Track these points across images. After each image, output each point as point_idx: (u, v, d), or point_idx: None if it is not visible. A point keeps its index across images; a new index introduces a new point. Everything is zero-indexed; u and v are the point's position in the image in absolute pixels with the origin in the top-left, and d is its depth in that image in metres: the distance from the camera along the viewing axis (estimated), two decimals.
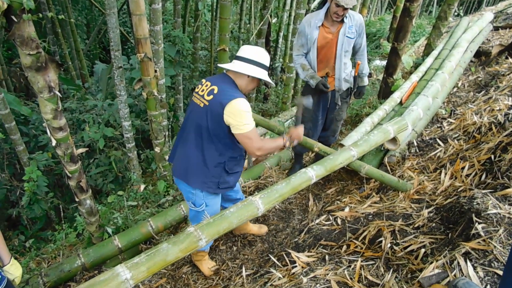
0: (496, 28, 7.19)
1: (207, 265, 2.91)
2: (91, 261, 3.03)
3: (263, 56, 2.32)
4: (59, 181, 5.94)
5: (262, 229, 3.23)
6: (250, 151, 2.28)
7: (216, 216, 2.15)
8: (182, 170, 2.45)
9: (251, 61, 2.28)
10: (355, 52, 3.41)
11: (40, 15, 2.49)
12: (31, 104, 6.42)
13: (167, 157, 4.62)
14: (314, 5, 7.94)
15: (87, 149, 3.61)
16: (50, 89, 2.53)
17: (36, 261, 3.68)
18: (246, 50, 2.31)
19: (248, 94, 7.40)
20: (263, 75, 2.31)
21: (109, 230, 3.46)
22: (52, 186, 5.60)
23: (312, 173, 2.51)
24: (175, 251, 1.92)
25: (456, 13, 11.95)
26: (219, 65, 2.39)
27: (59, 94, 2.62)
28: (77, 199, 3.22)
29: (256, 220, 3.41)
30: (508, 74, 4.45)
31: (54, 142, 2.79)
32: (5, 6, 2.09)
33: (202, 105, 2.28)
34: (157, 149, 4.53)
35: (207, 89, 2.30)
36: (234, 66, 2.29)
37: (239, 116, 2.17)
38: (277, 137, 2.47)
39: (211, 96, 2.25)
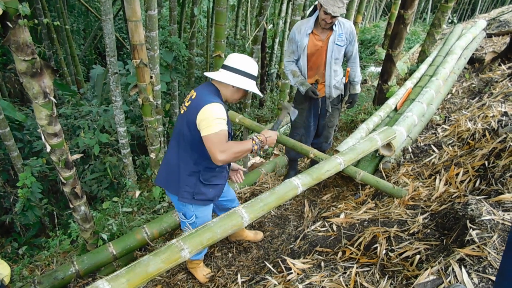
0: (489, 35, 7.28)
1: (202, 272, 2.89)
2: (85, 268, 3.00)
3: (250, 66, 2.25)
4: (54, 187, 5.91)
5: (258, 235, 3.20)
6: (212, 155, 2.11)
7: (199, 226, 2.15)
8: (162, 176, 2.45)
9: (237, 70, 2.21)
10: (347, 59, 3.43)
11: (36, 21, 2.48)
12: (26, 109, 6.39)
13: None
14: (309, 11, 8.01)
15: (82, 155, 3.60)
16: (45, 95, 2.53)
17: (29, 269, 3.64)
18: (232, 59, 2.25)
19: (244, 100, 7.42)
20: (249, 85, 2.24)
21: (104, 237, 3.43)
22: (46, 192, 5.56)
23: (297, 182, 2.52)
24: (157, 262, 1.90)
25: (450, 20, 12.07)
26: (205, 73, 2.32)
27: (54, 100, 2.61)
28: (71, 206, 3.20)
29: (252, 227, 3.41)
30: (502, 81, 4.49)
31: (48, 148, 2.77)
32: (0, 12, 2.09)
33: (182, 111, 2.28)
34: (152, 155, 4.53)
35: (189, 96, 2.29)
36: (219, 75, 2.22)
37: (207, 119, 2.09)
38: (245, 140, 2.30)
39: (189, 102, 2.24)
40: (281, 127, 6.39)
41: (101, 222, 3.83)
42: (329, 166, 2.79)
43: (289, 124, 6.29)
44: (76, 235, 3.81)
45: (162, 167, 2.47)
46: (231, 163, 2.57)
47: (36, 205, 4.56)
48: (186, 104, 2.26)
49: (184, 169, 2.31)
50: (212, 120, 2.09)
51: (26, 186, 4.30)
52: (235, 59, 2.24)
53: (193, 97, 2.24)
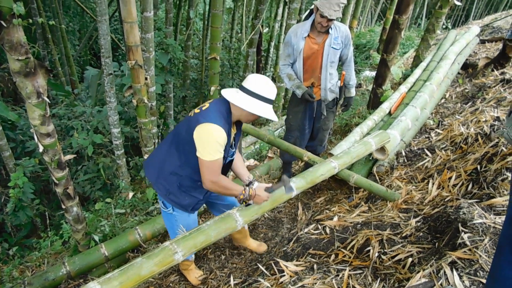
0: (482, 41, 7.36)
1: (194, 275, 2.88)
2: (76, 269, 2.97)
3: (268, 89, 2.16)
4: (46, 188, 5.86)
5: (261, 247, 3.10)
6: (202, 179, 2.17)
7: (193, 229, 2.15)
8: (148, 159, 2.49)
9: (254, 94, 2.13)
10: (342, 62, 3.45)
11: (30, 20, 2.47)
12: (19, 109, 6.34)
13: None
14: (304, 15, 8.04)
15: (75, 155, 3.58)
16: (39, 94, 2.51)
17: (19, 270, 3.60)
18: (251, 82, 2.16)
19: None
20: (264, 110, 2.16)
21: (96, 238, 3.41)
22: (39, 192, 5.51)
23: (292, 185, 2.53)
24: (150, 265, 1.89)
25: (444, 26, 12.19)
26: (222, 92, 2.23)
27: (47, 100, 2.60)
28: (63, 206, 3.18)
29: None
30: (494, 86, 4.54)
31: (41, 148, 2.75)
32: None
33: (191, 115, 2.27)
34: (146, 157, 4.51)
35: (202, 105, 2.26)
36: (235, 98, 2.15)
37: (206, 141, 2.08)
38: (237, 185, 2.28)
39: (199, 111, 2.21)
40: (275, 131, 6.40)
41: (94, 223, 3.80)
42: (323, 170, 2.81)
43: (283, 127, 6.30)
44: (68, 236, 3.78)
45: (153, 152, 2.50)
46: (251, 181, 2.49)
47: (27, 205, 4.52)
48: (196, 111, 2.23)
49: (169, 166, 2.31)
50: (210, 146, 2.07)
51: (18, 186, 4.26)
52: (254, 82, 2.16)
53: (204, 108, 2.21)
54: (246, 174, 2.50)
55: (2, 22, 2.17)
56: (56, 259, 3.75)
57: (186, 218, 2.47)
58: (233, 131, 2.35)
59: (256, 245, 3.11)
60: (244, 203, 2.37)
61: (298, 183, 2.60)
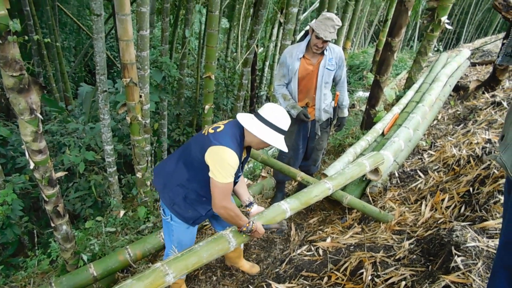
0: (473, 64, 7.50)
1: None
2: None
3: (282, 120, 2.21)
4: (35, 205, 5.76)
5: (254, 268, 3.07)
6: (214, 202, 2.19)
7: (185, 250, 2.13)
8: (157, 168, 2.53)
9: (269, 123, 2.17)
10: (335, 83, 3.49)
11: (26, 37, 2.48)
12: (11, 125, 6.30)
13: (148, 183, 4.55)
14: (299, 36, 8.16)
15: (66, 172, 3.54)
16: (32, 111, 2.50)
17: None
18: (267, 111, 2.20)
19: None
20: (277, 141, 2.20)
21: (85, 258, 3.34)
22: (28, 209, 5.41)
23: (286, 206, 2.55)
24: (140, 287, 1.86)
25: (435, 49, 12.43)
26: (238, 117, 2.25)
27: (40, 116, 2.58)
28: (53, 224, 3.12)
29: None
30: (485, 109, 4.60)
31: (32, 165, 2.72)
32: None
33: (205, 133, 2.28)
34: (138, 174, 4.47)
35: (217, 126, 2.28)
36: (250, 125, 2.18)
37: (219, 164, 2.10)
38: (245, 218, 2.32)
39: (213, 131, 2.22)
40: (269, 150, 6.40)
41: (83, 242, 3.73)
42: (317, 191, 2.80)
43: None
44: (56, 255, 3.70)
45: (162, 162, 2.54)
46: (251, 202, 2.61)
47: (16, 223, 4.42)
48: (210, 131, 2.23)
49: (176, 178, 2.35)
50: (224, 169, 2.10)
51: (6, 203, 4.18)
52: (270, 111, 2.20)
53: (218, 129, 2.22)
54: (246, 195, 2.58)
55: None
56: (42, 279, 3.66)
57: (184, 230, 2.48)
58: (243, 155, 2.38)
59: (248, 266, 3.08)
60: (243, 235, 2.40)
61: (293, 204, 2.59)
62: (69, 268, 3.35)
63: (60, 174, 3.08)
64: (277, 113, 2.21)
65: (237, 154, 2.14)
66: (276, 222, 2.49)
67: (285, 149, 2.28)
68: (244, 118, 2.22)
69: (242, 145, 2.25)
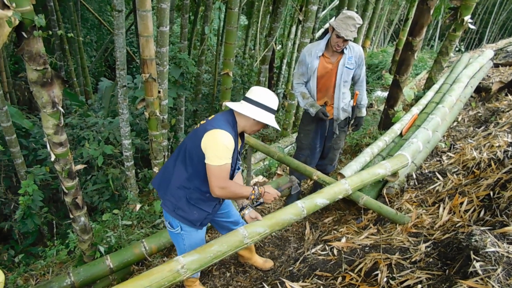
0: (496, 65, 7.31)
1: None
2: (80, 280, 2.96)
3: (271, 100, 2.26)
4: (55, 196, 5.90)
5: (267, 263, 3.07)
6: (211, 186, 2.16)
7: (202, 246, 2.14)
8: (158, 178, 2.46)
9: (258, 104, 2.22)
10: (354, 82, 3.46)
11: (50, 32, 2.53)
12: (33, 117, 6.45)
13: None
14: (317, 34, 8.10)
15: (85, 165, 3.61)
16: (54, 104, 2.55)
17: (24, 278, 3.61)
18: (254, 92, 2.26)
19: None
20: (269, 119, 2.24)
21: (101, 249, 3.40)
22: (47, 200, 5.55)
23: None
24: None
25: (457, 49, 12.18)
26: (226, 103, 2.32)
27: (62, 110, 2.64)
28: (71, 216, 3.19)
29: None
30: (508, 111, 4.49)
31: (53, 157, 2.78)
32: (17, 22, 2.13)
33: (197, 126, 2.30)
34: (155, 169, 4.53)
35: (208, 117, 2.32)
36: (240, 107, 2.23)
37: (214, 146, 2.10)
38: (246, 186, 2.34)
39: (204, 121, 2.27)
40: (285, 148, 6.40)
41: (100, 234, 3.80)
42: (338, 190, 2.79)
43: (293, 145, 6.29)
44: (74, 245, 3.78)
45: (161, 169, 2.49)
46: (243, 206, 2.54)
47: (36, 213, 4.54)
48: (202, 122, 2.28)
49: (176, 180, 2.30)
50: (219, 151, 2.10)
51: (27, 193, 4.30)
52: (257, 93, 2.26)
53: (209, 118, 2.27)
54: (240, 199, 2.52)
55: (24, 33, 2.23)
56: (60, 268, 3.75)
57: (194, 236, 2.44)
58: (239, 142, 2.36)
59: (262, 262, 3.08)
60: (255, 203, 2.40)
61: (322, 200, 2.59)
62: (86, 259, 3.42)
63: (80, 166, 3.14)
64: (265, 93, 2.26)
65: (232, 136, 2.15)
66: (291, 222, 2.47)
67: (277, 127, 2.32)
68: (234, 104, 2.27)
69: (236, 130, 2.26)
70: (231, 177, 2.36)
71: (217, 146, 2.10)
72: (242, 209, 2.48)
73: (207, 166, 2.13)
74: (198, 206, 2.33)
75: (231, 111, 2.29)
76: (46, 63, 2.40)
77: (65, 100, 7.07)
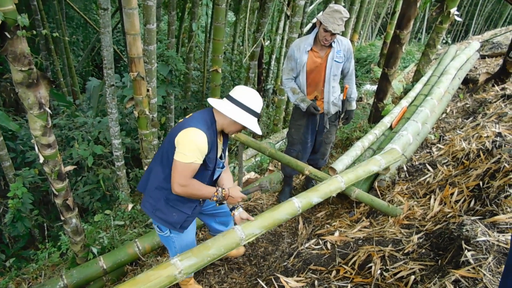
0: (482, 57, 7.39)
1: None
2: (74, 282, 2.94)
3: (253, 101, 2.17)
4: (45, 198, 5.83)
5: (240, 249, 3.07)
6: (172, 183, 2.11)
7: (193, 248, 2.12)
8: (142, 184, 2.40)
9: (239, 104, 2.14)
10: (343, 76, 3.47)
11: (34, 32, 2.49)
12: (20, 119, 6.35)
13: None
14: (306, 29, 8.10)
15: (75, 166, 3.57)
16: (40, 105, 2.52)
17: (16, 282, 3.56)
18: (237, 91, 2.18)
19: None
20: (247, 121, 2.14)
21: (94, 250, 3.38)
22: (37, 203, 5.48)
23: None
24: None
25: (444, 41, 12.29)
26: (208, 99, 2.25)
27: (49, 111, 2.60)
28: (62, 218, 3.16)
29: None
30: (495, 102, 4.54)
31: (41, 159, 2.75)
32: None
33: (175, 126, 2.26)
34: (146, 168, 4.49)
35: (186, 116, 2.28)
36: (219, 105, 2.15)
37: (185, 144, 2.05)
38: (210, 187, 2.25)
39: (182, 120, 2.22)
40: (276, 143, 6.40)
41: (92, 235, 3.77)
42: (333, 187, 2.79)
43: (284, 140, 6.30)
44: (66, 248, 3.75)
45: (144, 173, 2.44)
46: (234, 206, 2.45)
47: (26, 216, 4.49)
48: (180, 121, 2.24)
49: (153, 180, 2.26)
50: (188, 149, 2.04)
51: (17, 196, 4.24)
52: (240, 92, 2.17)
53: (187, 116, 2.23)
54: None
55: (7, 33, 2.19)
56: (53, 271, 3.71)
57: (184, 238, 2.43)
58: (220, 141, 2.31)
59: (235, 251, 3.02)
60: (217, 204, 2.35)
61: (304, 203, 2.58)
62: (79, 261, 3.39)
63: (69, 168, 3.11)
64: (248, 94, 2.16)
65: (208, 136, 2.08)
66: (286, 219, 2.46)
67: (258, 131, 2.20)
68: (214, 101, 2.19)
69: (215, 128, 2.19)
70: (211, 176, 2.32)
71: (187, 144, 2.04)
72: (232, 209, 2.43)
73: (174, 161, 2.08)
74: (177, 208, 2.27)
75: (210, 110, 2.22)
76: (31, 63, 2.36)
77: (52, 101, 6.97)
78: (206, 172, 2.25)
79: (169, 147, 2.15)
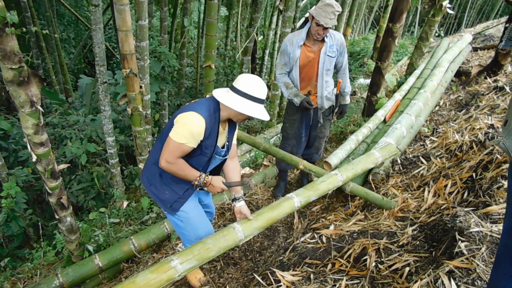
0: (475, 49, 7.43)
1: (194, 275, 2.83)
2: (69, 281, 2.93)
3: (258, 89, 2.15)
4: (39, 197, 5.79)
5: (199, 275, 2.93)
6: (160, 157, 2.17)
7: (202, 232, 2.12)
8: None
9: (244, 94, 2.12)
10: (337, 70, 3.47)
11: (24, 29, 2.46)
12: (12, 118, 6.29)
13: None
14: (299, 24, 8.09)
15: (68, 165, 3.54)
16: (32, 103, 2.49)
17: (11, 281, 3.54)
18: (241, 82, 2.15)
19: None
20: (253, 110, 2.14)
21: (90, 248, 3.37)
22: (32, 202, 5.45)
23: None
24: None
25: (436, 34, 12.32)
26: (213, 91, 2.23)
27: (41, 109, 2.57)
28: (57, 216, 3.14)
29: None
30: (488, 94, 4.57)
31: (34, 158, 2.72)
32: None
33: None
34: (141, 165, 4.48)
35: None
36: (224, 98, 2.14)
37: (180, 123, 2.10)
38: (195, 171, 2.27)
39: (188, 103, 2.26)
40: (270, 138, 6.40)
41: (88, 233, 3.75)
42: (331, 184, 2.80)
43: (279, 135, 6.30)
44: (61, 246, 3.73)
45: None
46: (236, 197, 2.46)
47: (20, 215, 4.45)
48: (186, 104, 2.27)
49: (152, 155, 2.33)
50: (183, 130, 2.09)
51: (10, 196, 4.20)
52: (243, 81, 2.15)
53: (193, 101, 2.26)
54: (235, 190, 2.46)
55: None
56: (49, 270, 3.70)
57: (191, 208, 2.42)
58: (222, 130, 2.33)
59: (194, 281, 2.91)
60: (198, 189, 2.38)
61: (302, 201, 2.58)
62: (75, 259, 3.38)
63: (63, 166, 3.09)
64: (252, 82, 2.15)
65: (207, 121, 2.11)
66: (285, 214, 2.47)
67: (267, 118, 2.21)
68: (219, 92, 2.20)
69: (217, 116, 2.20)
70: (208, 162, 2.33)
71: (183, 126, 2.09)
72: (234, 200, 2.43)
73: (167, 137, 2.13)
74: (170, 186, 2.32)
75: (215, 98, 2.23)
76: (22, 61, 2.34)
77: (44, 99, 6.91)
78: (203, 157, 2.27)
79: (170, 127, 2.18)
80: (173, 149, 2.12)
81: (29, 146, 2.69)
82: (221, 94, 2.18)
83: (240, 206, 2.42)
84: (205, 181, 2.28)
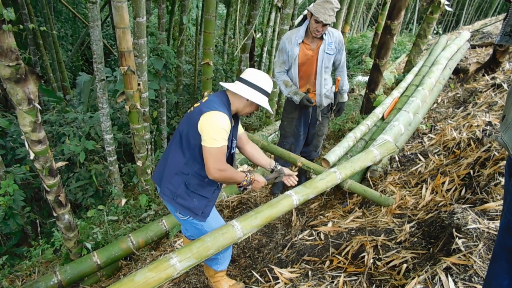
0: (473, 47, 7.44)
1: (228, 283, 2.65)
2: (68, 278, 2.93)
3: (265, 82, 2.24)
4: (37, 195, 5.78)
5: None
6: (208, 168, 2.11)
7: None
8: (157, 172, 2.37)
9: (252, 85, 2.20)
10: (335, 68, 3.46)
11: (21, 26, 2.45)
12: (9, 115, 6.27)
13: (149, 171, 4.56)
14: (297, 21, 8.07)
15: (66, 162, 3.54)
16: (30, 101, 2.49)
17: (9, 279, 3.54)
18: (249, 74, 2.24)
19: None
20: (263, 101, 2.23)
21: (88, 246, 3.37)
22: (29, 200, 5.44)
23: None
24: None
25: (435, 31, 12.31)
26: (221, 83, 2.29)
27: (38, 106, 2.57)
28: (55, 214, 3.14)
29: None
30: (485, 91, 4.58)
31: (32, 155, 2.72)
32: None
33: (191, 110, 2.25)
34: (139, 163, 4.47)
35: (201, 99, 2.29)
36: (235, 87, 2.20)
37: (211, 128, 2.06)
38: (240, 172, 2.30)
39: (198, 104, 2.22)
40: (269, 136, 6.40)
41: (86, 230, 3.75)
42: (329, 181, 2.80)
43: (277, 133, 6.30)
44: (59, 244, 3.73)
45: (159, 163, 2.41)
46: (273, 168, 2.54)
47: (18, 213, 4.45)
48: (196, 105, 2.23)
49: (173, 166, 2.24)
50: (216, 132, 2.06)
51: (8, 193, 4.19)
52: (252, 74, 2.23)
53: (203, 100, 2.23)
54: (267, 163, 2.54)
55: None
56: (47, 268, 3.69)
57: (211, 223, 2.37)
58: (232, 123, 2.32)
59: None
60: (244, 190, 2.40)
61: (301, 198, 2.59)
62: (73, 257, 3.38)
63: (61, 164, 3.08)
64: (260, 75, 2.24)
65: (228, 117, 2.13)
66: (285, 211, 2.48)
67: (270, 110, 2.29)
68: (228, 84, 2.24)
69: (230, 110, 2.24)
70: (230, 156, 2.34)
71: (214, 127, 2.06)
72: (272, 171, 2.52)
73: (204, 148, 2.09)
74: (197, 193, 2.26)
75: (224, 92, 2.27)
76: (19, 58, 2.33)
77: (42, 97, 6.89)
78: (226, 153, 2.26)
79: (190, 132, 2.15)
80: (218, 156, 2.09)
81: (26, 144, 2.68)
82: (231, 85, 2.23)
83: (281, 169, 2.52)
84: (251, 179, 2.30)
